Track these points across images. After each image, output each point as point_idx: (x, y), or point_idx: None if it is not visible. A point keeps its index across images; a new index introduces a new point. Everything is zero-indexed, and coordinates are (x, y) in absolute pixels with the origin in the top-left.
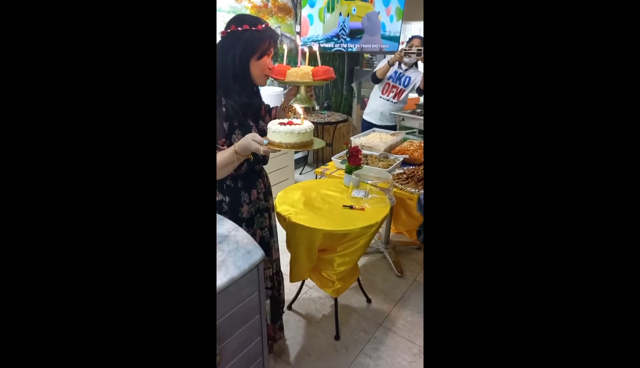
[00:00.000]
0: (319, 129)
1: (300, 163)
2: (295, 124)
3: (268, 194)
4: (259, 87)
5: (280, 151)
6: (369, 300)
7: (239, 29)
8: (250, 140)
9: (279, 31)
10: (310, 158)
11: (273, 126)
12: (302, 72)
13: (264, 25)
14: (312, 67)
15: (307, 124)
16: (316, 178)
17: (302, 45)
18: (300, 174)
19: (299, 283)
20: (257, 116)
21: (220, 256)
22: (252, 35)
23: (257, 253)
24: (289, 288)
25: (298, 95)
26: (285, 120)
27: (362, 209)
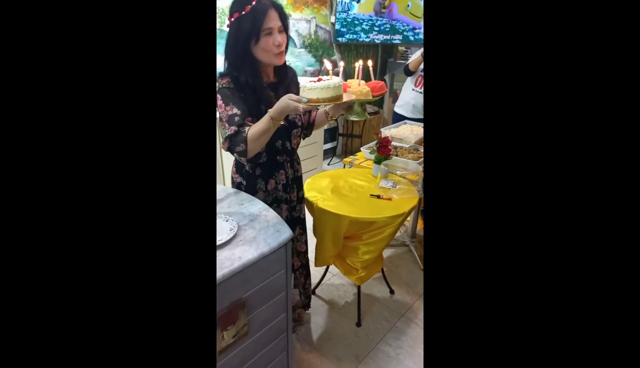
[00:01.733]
0: (348, 120)
1: (328, 153)
2: (325, 80)
3: (290, 187)
4: (295, 75)
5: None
6: (392, 291)
7: (232, 19)
8: (287, 100)
9: (314, 22)
10: (339, 150)
11: (308, 84)
12: (366, 91)
13: (252, 4)
14: (359, 82)
15: (336, 79)
16: (345, 168)
17: (335, 38)
18: (329, 165)
19: (322, 269)
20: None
21: (251, 233)
22: (241, 22)
23: (286, 232)
24: (313, 274)
25: (354, 110)
26: (315, 78)
27: (390, 199)
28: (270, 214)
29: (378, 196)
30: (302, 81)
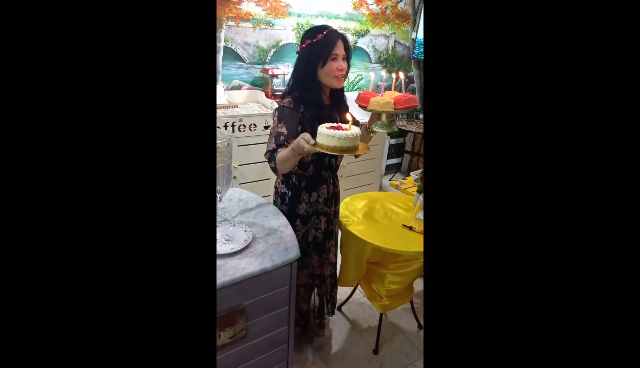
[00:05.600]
0: (418, 138)
1: (392, 168)
2: (344, 129)
3: (330, 201)
4: (343, 92)
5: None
6: (420, 326)
7: (304, 45)
8: (300, 138)
9: (392, 38)
10: (404, 166)
11: (321, 128)
12: (384, 102)
13: (324, 33)
14: (395, 94)
15: (353, 130)
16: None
17: (414, 56)
18: (390, 181)
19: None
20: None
21: (262, 247)
22: (312, 47)
23: (293, 252)
24: (343, 290)
25: (379, 121)
26: (335, 124)
27: (422, 233)
28: (287, 232)
29: (410, 228)
30: (321, 126)
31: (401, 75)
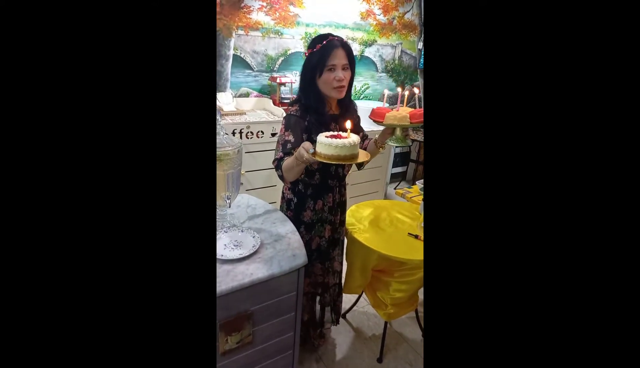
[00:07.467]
0: (423, 147)
1: (397, 177)
2: (342, 138)
3: (336, 209)
4: (353, 103)
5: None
6: (424, 335)
7: (307, 54)
8: (301, 147)
9: (399, 48)
10: (409, 175)
11: (320, 137)
12: (400, 116)
13: (323, 43)
14: (409, 110)
15: (351, 139)
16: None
17: (420, 66)
18: (395, 189)
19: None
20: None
21: (270, 253)
22: (311, 57)
23: (301, 258)
24: (348, 298)
25: (394, 135)
26: (335, 133)
27: None
28: (295, 238)
29: (416, 236)
30: (320, 135)
31: (416, 91)
